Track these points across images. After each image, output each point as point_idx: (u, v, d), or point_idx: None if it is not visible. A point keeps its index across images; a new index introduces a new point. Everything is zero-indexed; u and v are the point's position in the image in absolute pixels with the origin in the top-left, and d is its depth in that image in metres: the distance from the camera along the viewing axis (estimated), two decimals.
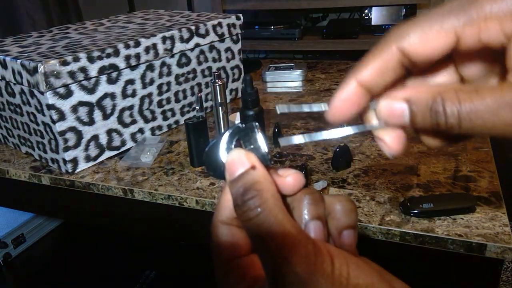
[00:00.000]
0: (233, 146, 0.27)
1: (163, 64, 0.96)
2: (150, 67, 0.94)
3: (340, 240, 0.27)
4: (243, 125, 0.27)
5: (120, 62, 0.87)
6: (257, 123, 0.27)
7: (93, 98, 0.85)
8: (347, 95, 0.25)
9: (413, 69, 0.24)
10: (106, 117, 0.88)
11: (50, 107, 0.79)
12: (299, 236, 0.23)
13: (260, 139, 0.26)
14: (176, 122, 1.04)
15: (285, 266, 0.21)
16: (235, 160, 0.25)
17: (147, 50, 0.91)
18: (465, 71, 0.26)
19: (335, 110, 0.25)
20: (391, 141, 0.26)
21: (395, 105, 0.23)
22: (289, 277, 0.21)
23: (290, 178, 0.26)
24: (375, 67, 0.24)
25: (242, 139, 0.27)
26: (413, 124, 0.22)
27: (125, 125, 0.92)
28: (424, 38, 0.23)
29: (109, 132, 0.90)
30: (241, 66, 1.16)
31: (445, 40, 0.22)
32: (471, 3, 0.22)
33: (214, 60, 1.07)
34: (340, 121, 0.25)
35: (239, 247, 0.27)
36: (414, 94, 0.22)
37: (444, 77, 0.26)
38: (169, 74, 0.98)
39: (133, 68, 0.90)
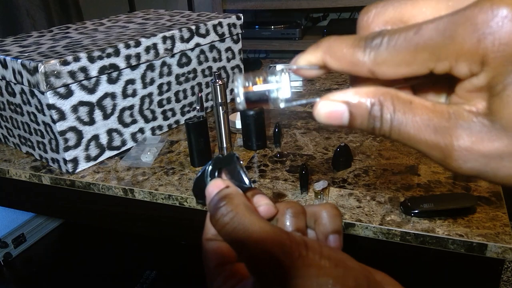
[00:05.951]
0: (216, 175, 0.30)
1: (163, 64, 0.96)
2: (151, 67, 0.93)
3: (327, 244, 0.29)
4: (223, 156, 0.31)
5: (120, 62, 0.86)
6: (236, 154, 0.31)
7: (93, 98, 0.85)
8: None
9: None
10: (106, 117, 0.88)
11: (51, 107, 0.79)
12: (274, 229, 0.24)
13: (238, 169, 0.30)
14: (177, 122, 1.04)
15: (267, 261, 0.23)
16: (213, 185, 0.28)
17: (147, 50, 0.91)
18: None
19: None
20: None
21: (335, 107, 0.21)
22: (273, 270, 0.23)
23: (262, 209, 0.29)
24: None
25: (224, 168, 0.31)
26: (351, 125, 0.21)
27: (126, 125, 0.92)
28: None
29: (110, 132, 0.90)
30: (242, 66, 1.16)
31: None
32: None
33: (215, 60, 1.07)
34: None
35: (224, 255, 0.29)
36: (354, 96, 0.21)
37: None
38: (169, 74, 0.98)
39: (133, 68, 0.90)
